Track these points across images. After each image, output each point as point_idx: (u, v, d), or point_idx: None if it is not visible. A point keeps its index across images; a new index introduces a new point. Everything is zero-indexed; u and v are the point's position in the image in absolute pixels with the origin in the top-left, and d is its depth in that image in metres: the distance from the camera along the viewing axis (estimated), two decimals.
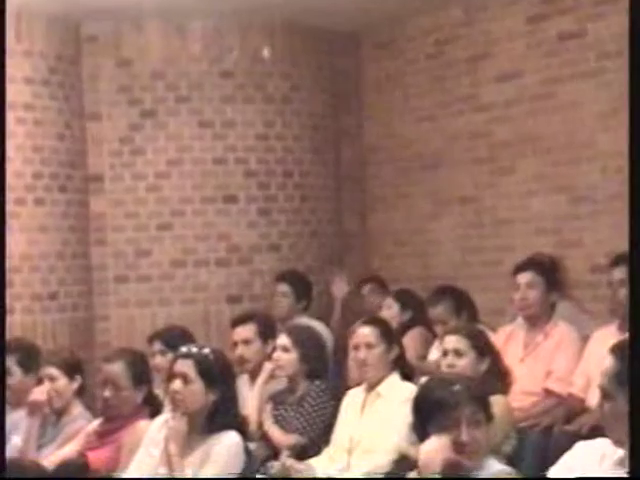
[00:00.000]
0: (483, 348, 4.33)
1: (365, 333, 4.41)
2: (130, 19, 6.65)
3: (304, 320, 5.99)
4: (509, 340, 5.02)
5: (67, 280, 6.44)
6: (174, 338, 4.97)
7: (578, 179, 6.00)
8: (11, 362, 4.85)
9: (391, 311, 5.73)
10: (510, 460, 3.87)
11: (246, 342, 5.13)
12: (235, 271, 6.75)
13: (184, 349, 3.92)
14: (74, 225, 6.54)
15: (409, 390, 4.07)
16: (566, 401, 4.70)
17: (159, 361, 4.98)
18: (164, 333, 5.23)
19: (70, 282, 6.47)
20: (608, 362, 2.71)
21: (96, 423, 4.42)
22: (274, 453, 4.47)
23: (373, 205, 7.29)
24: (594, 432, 3.42)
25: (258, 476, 4.02)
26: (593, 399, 4.01)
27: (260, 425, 4.68)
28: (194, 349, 3.90)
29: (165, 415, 3.98)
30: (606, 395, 2.70)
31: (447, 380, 3.29)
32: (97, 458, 4.16)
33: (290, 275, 6.43)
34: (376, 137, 7.26)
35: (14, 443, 4.50)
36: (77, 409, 4.65)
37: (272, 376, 4.88)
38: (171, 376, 3.83)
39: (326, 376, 4.83)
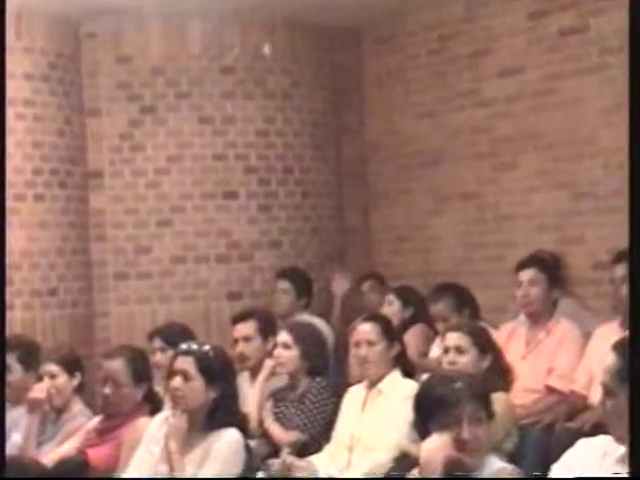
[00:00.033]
0: (485, 345, 4.32)
1: (366, 330, 4.40)
2: (130, 16, 6.63)
3: (305, 317, 5.98)
4: (511, 337, 5.01)
5: (67, 276, 6.44)
6: (174, 335, 4.95)
7: (580, 175, 5.98)
8: (12, 359, 4.84)
9: (392, 308, 5.71)
10: (512, 458, 3.86)
11: (246, 339, 5.12)
12: (235, 268, 6.73)
13: (184, 346, 3.91)
14: (74, 221, 6.53)
15: (410, 387, 4.06)
16: (568, 398, 4.69)
17: (159, 358, 4.96)
18: (164, 330, 5.22)
19: (70, 278, 6.46)
20: (610, 359, 2.71)
21: (96, 420, 4.42)
22: (275, 450, 4.47)
23: (374, 201, 7.27)
24: (596, 429, 3.41)
25: (259, 473, 4.00)
26: (595, 396, 3.99)
27: (261, 422, 4.68)
28: (194, 346, 3.89)
29: (165, 412, 3.97)
30: (608, 392, 2.70)
31: (448, 377, 3.28)
32: (97, 455, 4.16)
33: (291, 272, 6.41)
34: (377, 133, 7.24)
35: (14, 440, 4.50)
36: (77, 406, 4.65)
37: (273, 373, 4.88)
38: (171, 373, 3.82)
39: (327, 373, 4.83)
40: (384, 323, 4.48)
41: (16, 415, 4.62)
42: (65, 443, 4.40)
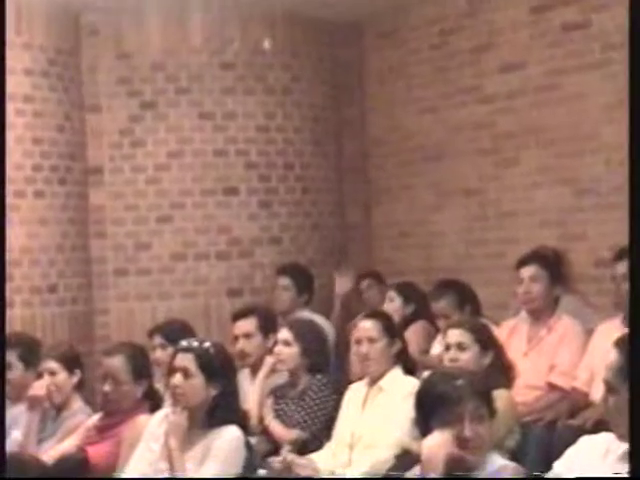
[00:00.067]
0: (486, 342, 4.30)
1: (367, 327, 4.38)
2: (130, 11, 6.61)
3: (305, 314, 5.97)
4: (512, 334, 5.00)
5: (67, 273, 6.42)
6: (174, 332, 4.94)
7: (582, 171, 5.97)
8: (12, 357, 4.84)
9: (393, 304, 5.70)
10: (514, 455, 3.86)
11: (247, 336, 5.11)
12: (236, 264, 6.72)
13: (184, 343, 3.90)
14: (74, 218, 6.51)
15: (411, 384, 4.04)
16: (570, 395, 4.67)
17: (159, 355, 4.96)
18: (164, 327, 5.22)
19: (70, 275, 6.44)
20: (612, 356, 2.70)
21: (96, 417, 4.41)
22: (275, 448, 4.46)
23: (376, 197, 7.25)
24: (598, 426, 3.40)
25: (259, 471, 3.99)
26: (597, 393, 3.97)
27: (261, 419, 4.67)
28: (195, 343, 3.88)
29: (165, 409, 3.96)
30: (610, 389, 2.69)
31: (450, 374, 3.27)
32: (97, 453, 4.16)
33: (291, 268, 6.39)
34: (379, 129, 7.22)
35: (14, 437, 4.50)
36: (77, 403, 4.65)
37: (273, 370, 4.86)
38: (171, 370, 3.81)
39: (328, 370, 4.82)
40: (385, 320, 4.47)
41: (16, 412, 4.62)
42: (65, 440, 4.40)
